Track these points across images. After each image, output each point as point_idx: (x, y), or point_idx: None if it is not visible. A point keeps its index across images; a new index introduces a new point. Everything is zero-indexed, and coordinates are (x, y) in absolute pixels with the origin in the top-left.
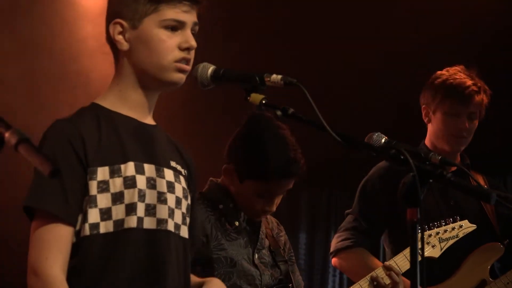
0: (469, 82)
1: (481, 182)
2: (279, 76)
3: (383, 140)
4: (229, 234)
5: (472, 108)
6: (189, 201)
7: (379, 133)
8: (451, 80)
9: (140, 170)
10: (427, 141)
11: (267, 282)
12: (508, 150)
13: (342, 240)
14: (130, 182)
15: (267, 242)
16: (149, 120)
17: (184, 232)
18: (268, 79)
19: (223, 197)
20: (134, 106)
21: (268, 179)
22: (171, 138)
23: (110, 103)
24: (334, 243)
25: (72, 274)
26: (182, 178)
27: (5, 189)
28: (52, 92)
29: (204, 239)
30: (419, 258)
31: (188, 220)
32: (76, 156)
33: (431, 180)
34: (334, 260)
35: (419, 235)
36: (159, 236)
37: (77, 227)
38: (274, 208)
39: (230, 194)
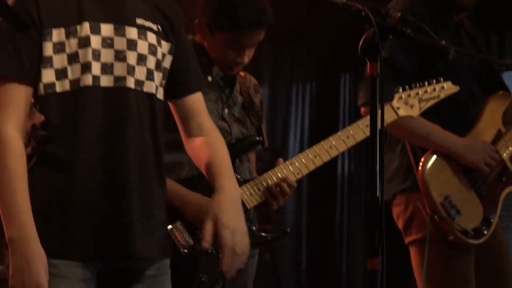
0: None
1: None
2: None
3: None
4: None
5: None
6: (159, 57)
7: None
8: None
9: (95, 30)
10: None
11: (236, 135)
12: (508, 3)
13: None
14: (84, 42)
15: (240, 99)
16: None
17: (150, 87)
18: None
19: (197, 52)
20: None
21: (237, 29)
22: None
23: None
24: (364, 93)
25: (34, 134)
26: (150, 35)
27: None
28: None
29: None
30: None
31: (158, 75)
32: (29, 17)
33: (391, 36)
34: (365, 110)
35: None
36: (117, 93)
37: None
38: (246, 60)
39: (204, 50)
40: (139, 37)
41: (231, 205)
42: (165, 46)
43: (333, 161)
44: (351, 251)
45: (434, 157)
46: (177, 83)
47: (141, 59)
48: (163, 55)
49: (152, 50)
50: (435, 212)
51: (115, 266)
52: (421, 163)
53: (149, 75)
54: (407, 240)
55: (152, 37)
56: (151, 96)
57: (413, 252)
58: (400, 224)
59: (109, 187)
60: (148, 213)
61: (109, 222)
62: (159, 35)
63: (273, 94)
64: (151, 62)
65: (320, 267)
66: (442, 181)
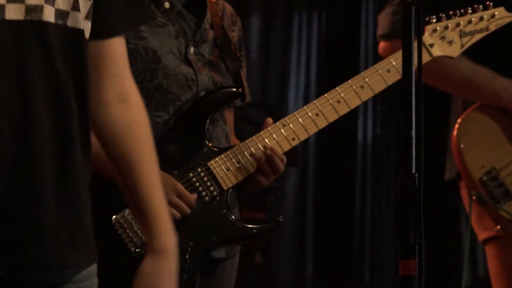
0: None
1: None
2: None
3: None
4: (154, 19)
5: None
6: None
7: None
8: None
9: None
10: None
11: (206, 85)
12: None
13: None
14: None
15: (211, 34)
16: None
17: (76, 21)
18: None
19: None
20: None
21: None
22: None
23: None
24: (386, 22)
25: None
26: None
27: None
28: None
29: None
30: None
31: (85, 4)
32: None
33: None
34: (385, 45)
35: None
36: (29, 30)
37: None
38: None
39: None
40: None
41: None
42: None
43: (351, 123)
44: (376, 250)
45: (478, 115)
46: (98, 17)
47: None
48: None
49: None
50: (473, 192)
51: (21, 277)
52: (457, 124)
53: (75, 3)
54: (480, 237)
55: None
56: (78, 34)
57: (488, 252)
58: (473, 216)
59: (16, 165)
60: (69, 202)
61: (14, 215)
62: None
63: (265, 30)
64: None
65: (333, 272)
66: (485, 150)
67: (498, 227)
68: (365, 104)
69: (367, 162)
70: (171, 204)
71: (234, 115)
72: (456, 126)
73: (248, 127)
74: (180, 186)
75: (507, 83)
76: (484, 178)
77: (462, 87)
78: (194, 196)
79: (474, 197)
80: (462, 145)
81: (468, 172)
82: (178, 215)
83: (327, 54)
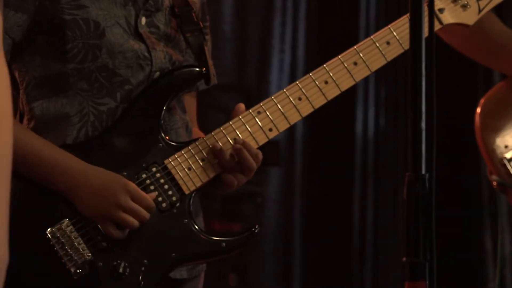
0: None
1: None
2: None
3: None
4: None
5: None
6: None
7: None
8: None
9: None
10: None
11: (162, 64)
12: None
13: None
14: None
15: (168, 1)
16: None
17: None
18: None
19: None
20: None
21: None
22: None
23: None
24: None
25: None
26: None
27: None
28: None
29: None
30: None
31: None
32: None
33: None
34: None
35: None
36: None
37: None
38: None
39: None
40: None
41: None
42: None
43: (348, 112)
44: (378, 269)
45: (505, 90)
46: None
47: None
48: None
49: None
50: (495, 177)
51: None
52: (482, 100)
53: None
54: None
55: None
56: None
57: None
58: None
59: None
60: None
61: None
62: None
63: None
64: None
65: None
66: (509, 127)
67: None
68: (366, 88)
69: (368, 161)
70: (125, 210)
71: (199, 102)
72: (481, 102)
73: (220, 116)
74: (133, 186)
75: None
76: (506, 160)
77: (491, 53)
78: (152, 195)
79: (495, 183)
80: (482, 122)
81: (489, 153)
82: (135, 223)
83: (319, 26)
